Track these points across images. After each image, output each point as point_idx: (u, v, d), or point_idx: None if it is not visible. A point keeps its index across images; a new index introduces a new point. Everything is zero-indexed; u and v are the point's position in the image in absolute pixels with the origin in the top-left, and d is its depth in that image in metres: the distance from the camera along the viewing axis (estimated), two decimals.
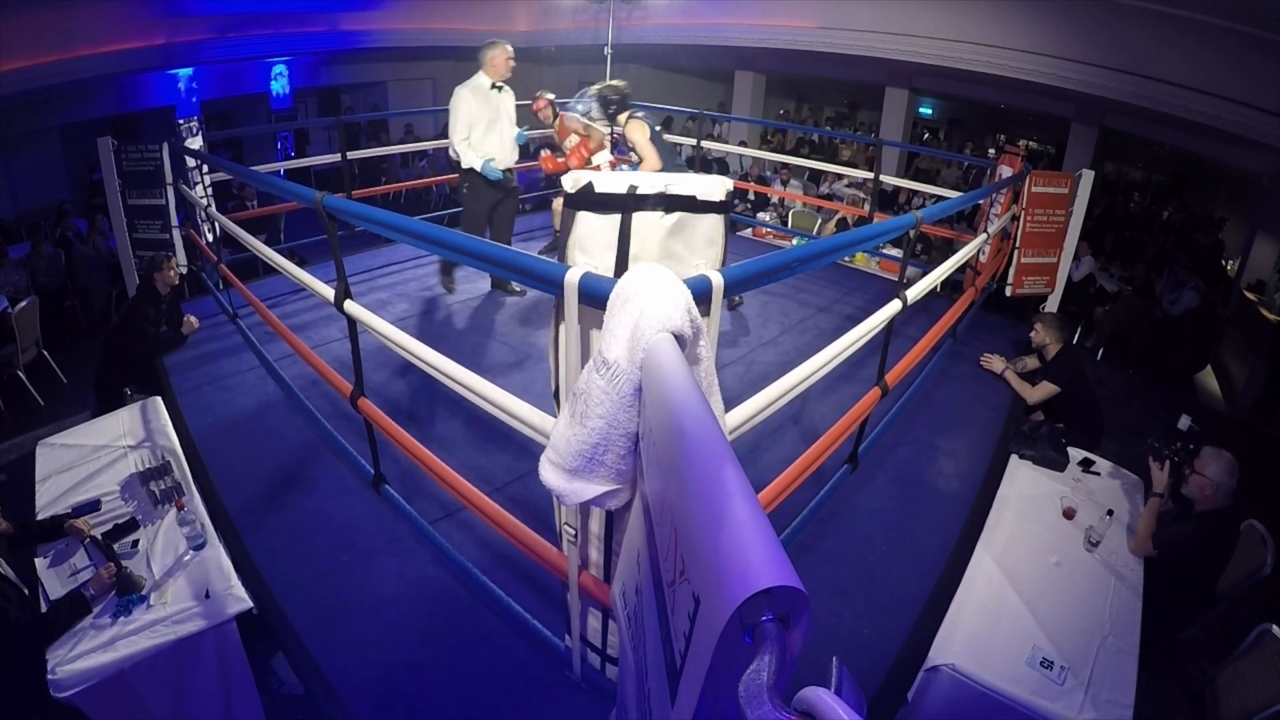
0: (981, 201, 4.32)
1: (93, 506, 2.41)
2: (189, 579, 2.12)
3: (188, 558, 2.19)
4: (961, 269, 3.47)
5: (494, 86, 3.86)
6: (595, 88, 3.80)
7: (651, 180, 1.47)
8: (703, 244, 1.55)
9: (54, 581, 2.12)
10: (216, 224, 4.11)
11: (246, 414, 3.06)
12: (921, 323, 3.76)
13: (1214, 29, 5.73)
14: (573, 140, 4.38)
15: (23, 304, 4.92)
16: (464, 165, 3.85)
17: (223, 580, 2.10)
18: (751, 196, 7.78)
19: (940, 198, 5.11)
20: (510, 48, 3.84)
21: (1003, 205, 4.14)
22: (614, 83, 3.83)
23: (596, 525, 1.46)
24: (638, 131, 3.66)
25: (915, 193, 7.51)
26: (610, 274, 1.43)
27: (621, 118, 3.72)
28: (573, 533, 1.51)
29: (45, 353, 5.17)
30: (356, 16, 9.23)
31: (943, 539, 2.51)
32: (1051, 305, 4.30)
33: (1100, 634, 2.07)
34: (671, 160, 3.79)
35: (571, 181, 1.47)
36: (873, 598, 2.23)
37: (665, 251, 1.51)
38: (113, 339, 3.57)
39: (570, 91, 4.23)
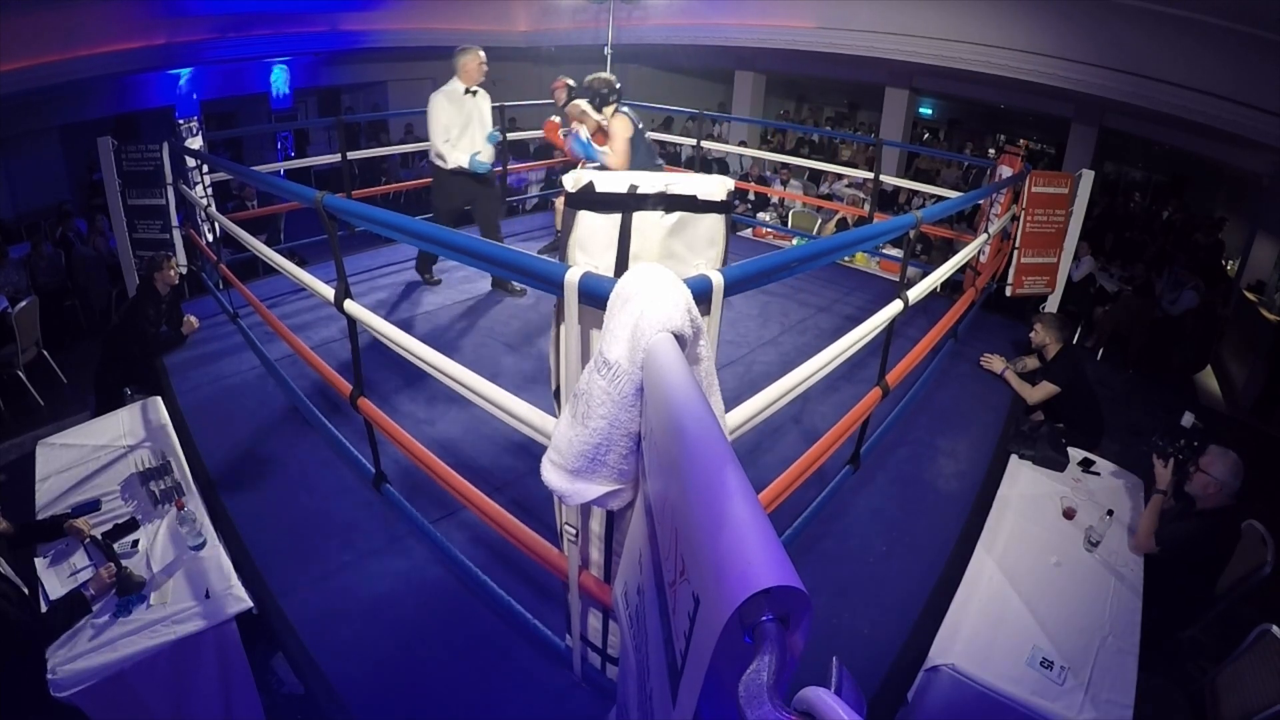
0: (981, 201, 4.33)
1: (93, 506, 2.41)
2: (189, 579, 2.12)
3: (188, 558, 2.19)
4: (962, 269, 3.47)
5: (468, 91, 3.97)
6: (588, 78, 3.89)
7: (652, 180, 1.47)
8: (703, 244, 1.55)
9: (54, 581, 2.12)
10: (216, 224, 4.11)
11: (246, 414, 3.06)
12: (922, 323, 3.76)
13: (1214, 29, 5.72)
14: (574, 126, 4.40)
15: (23, 304, 4.92)
16: (450, 164, 3.97)
17: (223, 580, 2.10)
18: (751, 196, 7.78)
19: (940, 198, 5.11)
20: (482, 53, 3.96)
21: (1003, 205, 4.14)
22: (603, 75, 3.90)
23: (597, 525, 1.46)
24: (620, 127, 3.73)
25: (915, 193, 7.50)
26: (611, 274, 1.44)
27: (608, 111, 3.79)
28: (573, 532, 1.51)
29: (45, 353, 5.17)
30: (356, 16, 9.23)
31: (943, 539, 2.52)
32: (1051, 305, 4.30)
33: (1100, 634, 2.07)
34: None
35: (573, 181, 1.47)
36: (873, 598, 2.23)
37: (666, 251, 1.51)
38: (113, 339, 3.57)
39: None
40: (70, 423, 3.20)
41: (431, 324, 3.92)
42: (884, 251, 5.48)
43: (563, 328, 1.33)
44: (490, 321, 3.96)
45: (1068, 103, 7.77)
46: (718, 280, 1.26)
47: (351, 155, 5.05)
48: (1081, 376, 3.42)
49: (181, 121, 4.22)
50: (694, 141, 6.05)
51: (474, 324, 3.92)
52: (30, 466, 2.67)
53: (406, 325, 3.79)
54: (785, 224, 7.16)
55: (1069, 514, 2.60)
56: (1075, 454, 2.99)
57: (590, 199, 1.46)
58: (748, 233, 6.36)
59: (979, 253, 4.00)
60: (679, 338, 0.98)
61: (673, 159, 9.14)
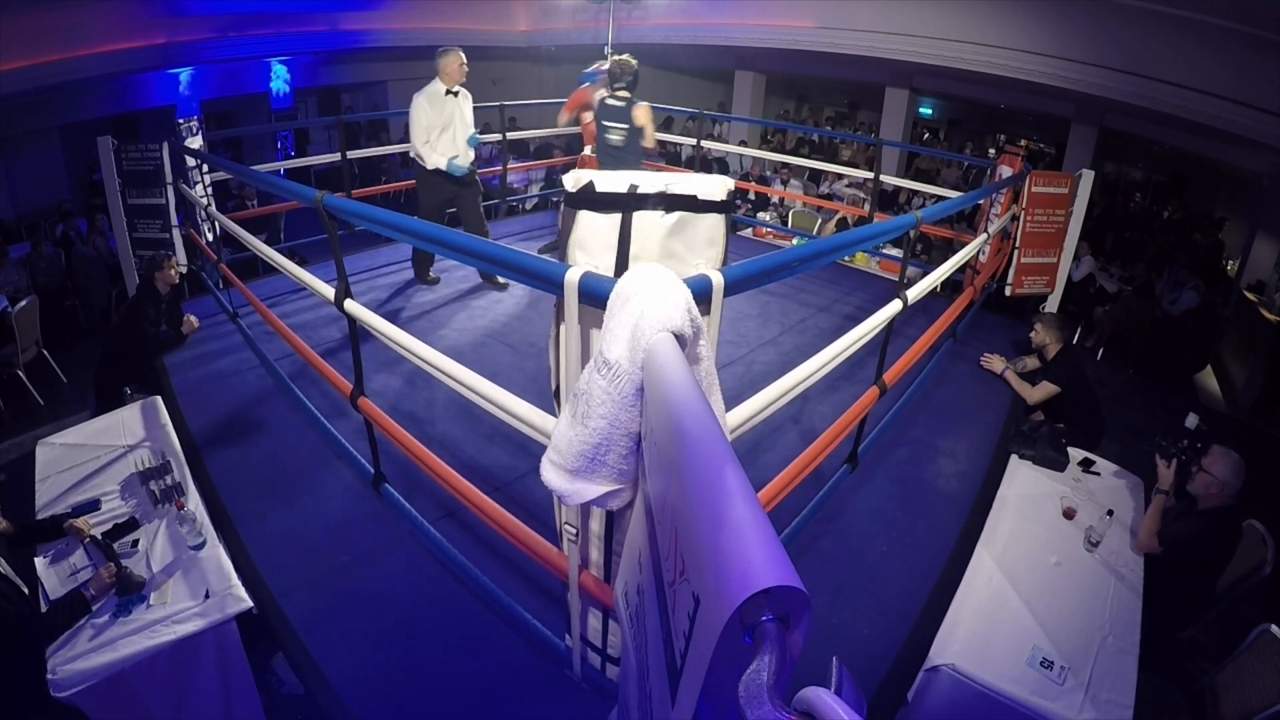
0: (981, 201, 4.33)
1: (93, 506, 2.41)
2: (189, 579, 2.12)
3: (187, 558, 2.19)
4: (961, 269, 3.47)
5: (449, 92, 4.03)
6: (611, 60, 4.18)
7: (652, 180, 1.47)
8: (703, 243, 1.55)
9: (54, 581, 2.12)
10: (216, 223, 4.11)
11: (246, 413, 3.06)
12: (921, 322, 3.76)
13: (1214, 29, 5.72)
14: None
15: (23, 304, 4.92)
16: (429, 166, 4.05)
17: (223, 580, 2.10)
18: (752, 196, 7.78)
19: (940, 198, 5.11)
20: (463, 54, 4.04)
21: (1003, 205, 4.14)
22: (623, 58, 4.17)
23: (597, 525, 1.46)
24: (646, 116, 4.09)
25: (915, 193, 7.50)
26: (611, 273, 1.44)
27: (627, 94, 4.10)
28: (573, 532, 1.51)
29: (45, 353, 5.17)
30: (356, 16, 9.22)
31: (942, 539, 2.51)
32: (1051, 305, 4.30)
33: (1100, 634, 2.07)
34: (608, 160, 4.24)
35: (573, 181, 1.47)
36: (873, 598, 2.23)
37: (666, 251, 1.51)
38: (113, 339, 3.57)
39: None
40: (70, 423, 3.20)
41: (431, 324, 3.92)
42: (884, 251, 5.48)
43: (563, 327, 1.33)
44: (490, 321, 3.96)
45: (1068, 103, 7.77)
46: (718, 280, 1.26)
47: (351, 155, 5.05)
48: (1081, 376, 3.42)
49: (181, 121, 4.22)
50: (694, 141, 6.05)
51: (474, 324, 3.92)
52: (30, 466, 2.67)
53: (406, 325, 3.79)
54: (785, 224, 7.16)
55: (1069, 514, 2.60)
56: (1075, 454, 2.99)
57: (590, 199, 1.46)
58: (748, 233, 6.36)
59: (979, 252, 4.00)
60: (679, 337, 0.98)
61: (673, 159, 9.14)
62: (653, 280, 1.05)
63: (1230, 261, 7.63)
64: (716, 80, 11.85)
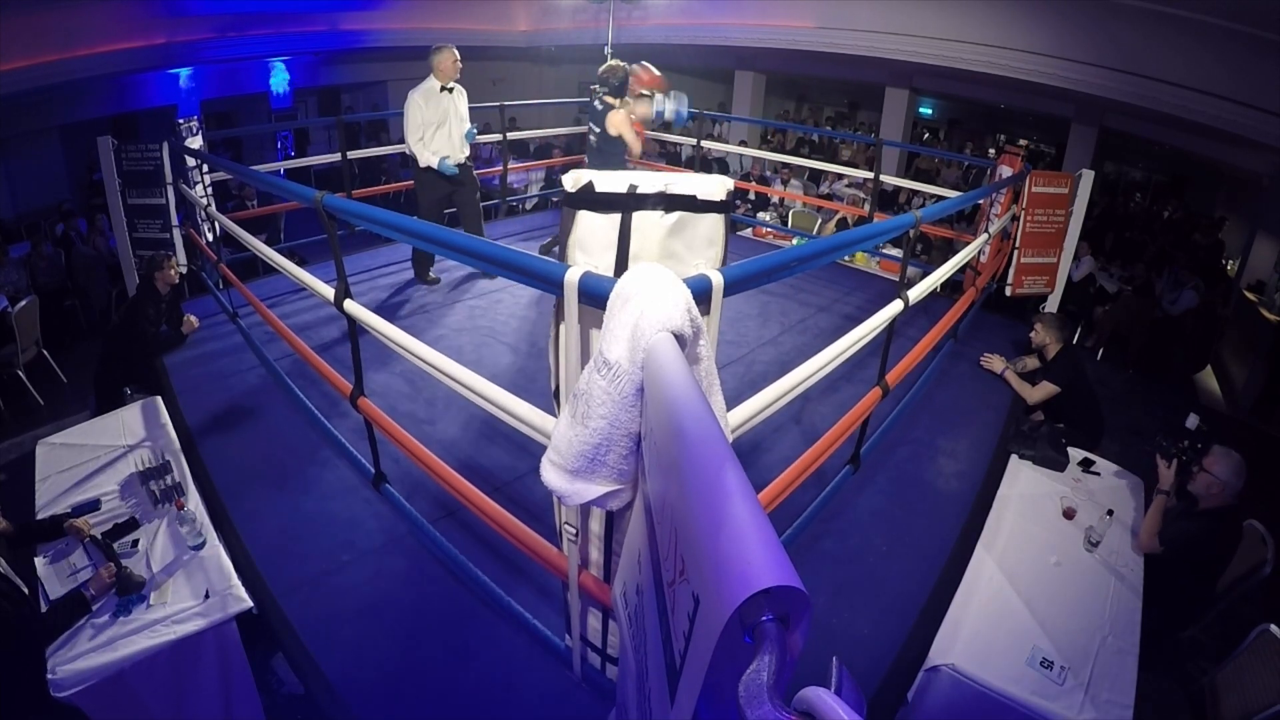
0: (981, 201, 4.32)
1: (92, 506, 2.41)
2: (189, 579, 2.12)
3: (188, 558, 2.19)
4: (962, 269, 3.47)
5: (444, 89, 4.07)
6: (602, 69, 4.22)
7: (652, 180, 1.47)
8: (703, 243, 1.55)
9: (54, 581, 2.12)
10: (216, 223, 4.11)
11: (246, 413, 3.06)
12: (922, 323, 3.76)
13: (1214, 29, 5.72)
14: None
15: (23, 304, 4.92)
16: (421, 164, 4.09)
17: (223, 580, 2.10)
18: (752, 196, 7.78)
19: (940, 198, 5.10)
20: (456, 51, 4.09)
21: (1003, 205, 4.14)
22: (612, 63, 4.23)
23: (597, 525, 1.46)
24: (616, 123, 4.15)
25: (915, 193, 7.50)
26: (610, 273, 1.43)
27: (614, 100, 4.18)
28: (573, 532, 1.51)
29: (45, 353, 5.17)
30: (356, 16, 9.22)
31: (943, 539, 2.51)
32: (1051, 305, 4.30)
33: (1100, 634, 2.07)
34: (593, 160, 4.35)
35: (572, 181, 1.47)
36: (873, 598, 2.23)
37: (665, 251, 1.51)
38: (113, 339, 3.57)
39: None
40: (70, 423, 3.20)
41: (431, 324, 3.92)
42: (884, 251, 5.48)
43: (562, 327, 1.33)
44: (490, 321, 3.96)
45: (1068, 103, 7.76)
46: (717, 280, 1.26)
47: (351, 155, 5.05)
48: (1082, 376, 3.42)
49: (181, 121, 4.22)
50: (694, 141, 6.05)
51: (474, 324, 3.92)
52: (30, 466, 2.67)
53: (406, 325, 3.78)
54: (785, 224, 7.16)
55: (1069, 514, 2.60)
56: (1075, 454, 2.99)
57: (590, 199, 1.46)
58: (748, 233, 6.35)
59: (979, 253, 4.00)
60: (679, 337, 0.98)
61: (673, 159, 9.14)
62: (652, 280, 1.05)
63: (1230, 261, 7.63)
64: (716, 80, 11.84)
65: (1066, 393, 3.36)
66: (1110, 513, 2.56)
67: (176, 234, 4.26)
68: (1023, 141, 11.07)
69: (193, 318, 3.69)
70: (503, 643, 1.95)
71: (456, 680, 1.86)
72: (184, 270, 4.16)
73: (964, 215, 6.13)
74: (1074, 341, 4.79)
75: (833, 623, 2.11)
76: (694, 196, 1.49)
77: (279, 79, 10.26)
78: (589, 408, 1.04)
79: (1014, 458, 2.91)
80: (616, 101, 4.24)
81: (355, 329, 2.17)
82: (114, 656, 1.88)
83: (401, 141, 4.27)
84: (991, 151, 10.31)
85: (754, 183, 7.65)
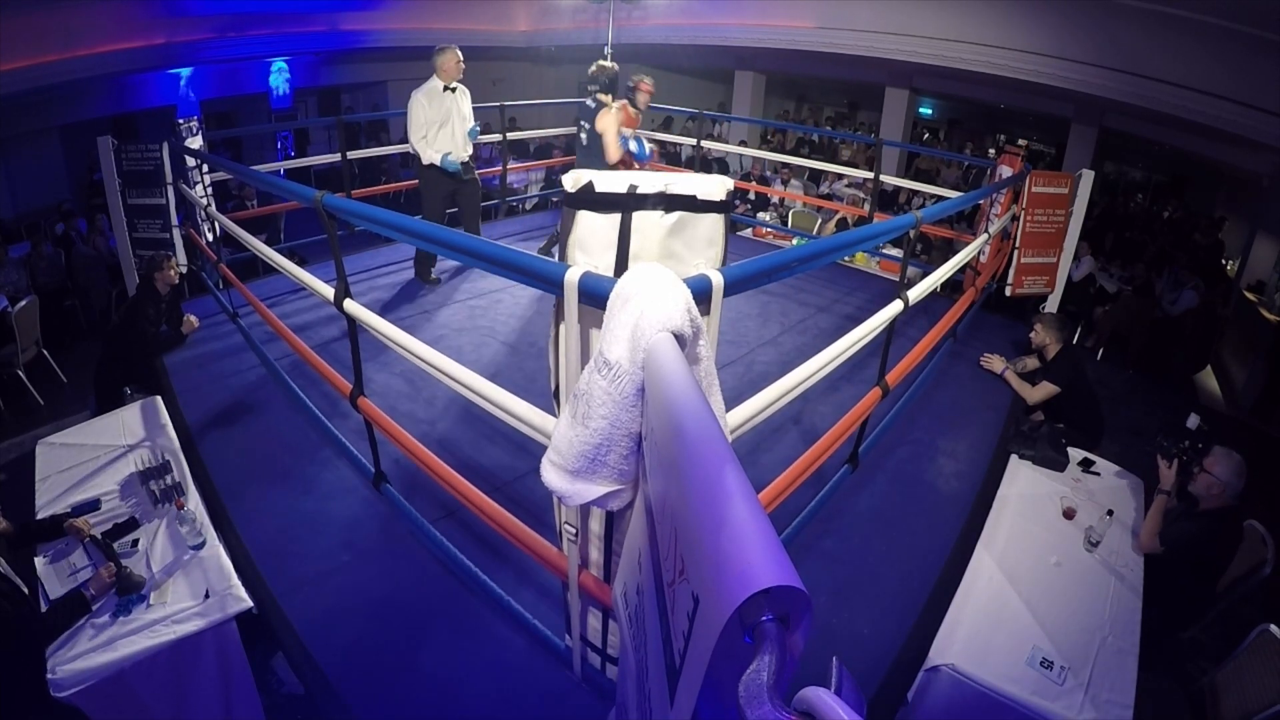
0: (981, 201, 4.32)
1: (92, 506, 2.41)
2: (189, 579, 2.12)
3: (188, 558, 2.19)
4: (962, 269, 3.47)
5: (447, 88, 4.11)
6: (593, 67, 4.24)
7: (652, 180, 1.47)
8: (703, 243, 1.55)
9: (54, 581, 2.12)
10: (216, 223, 4.11)
11: (246, 413, 3.06)
12: (922, 323, 3.76)
13: (1213, 29, 5.72)
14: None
15: (23, 304, 4.92)
16: (424, 162, 4.13)
17: (223, 580, 2.10)
18: (752, 196, 7.78)
19: (940, 198, 5.10)
20: (459, 51, 4.14)
21: (1003, 205, 4.14)
22: (601, 62, 4.26)
23: (597, 525, 1.46)
24: (604, 123, 4.18)
25: (915, 193, 7.50)
26: (610, 273, 1.43)
27: (606, 98, 4.20)
28: (573, 532, 1.51)
29: (45, 353, 5.17)
30: (356, 16, 9.22)
31: (943, 539, 2.51)
32: (1051, 305, 4.30)
33: (1100, 634, 2.07)
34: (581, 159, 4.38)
35: (572, 181, 1.47)
36: (873, 598, 2.23)
37: (665, 251, 1.51)
38: (113, 339, 3.57)
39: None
40: (70, 423, 3.20)
41: (431, 324, 3.92)
42: (884, 251, 5.48)
43: (562, 327, 1.33)
44: (490, 321, 3.96)
45: (1068, 103, 7.77)
46: (717, 280, 1.26)
47: (351, 155, 5.06)
48: (1082, 376, 3.42)
49: (181, 121, 4.22)
50: (694, 141, 6.05)
51: (474, 324, 3.92)
52: (30, 466, 2.67)
53: (406, 325, 3.78)
54: (785, 224, 7.16)
55: (1069, 514, 2.60)
56: (1075, 454, 2.99)
57: (590, 199, 1.46)
58: (748, 233, 6.35)
59: (979, 253, 4.00)
60: (679, 337, 0.98)
61: (673, 159, 9.14)
62: (652, 280, 1.05)
63: (1230, 261, 7.63)
64: (716, 80, 11.84)
65: (1066, 393, 3.36)
66: (1110, 513, 2.56)
67: (176, 234, 4.26)
68: (1022, 141, 11.07)
69: (193, 318, 3.69)
70: (503, 643, 1.95)
71: (456, 680, 1.86)
72: (184, 270, 4.16)
73: (964, 215, 6.13)
74: (1074, 341, 4.79)
75: (833, 623, 2.11)
76: (694, 196, 1.49)
77: (279, 79, 10.26)
78: (589, 408, 1.04)
79: (1014, 458, 2.91)
80: (607, 99, 4.25)
81: (355, 329, 2.17)
82: (114, 656, 1.87)
83: (402, 141, 4.29)
84: (991, 151, 10.30)
85: (754, 183, 7.65)
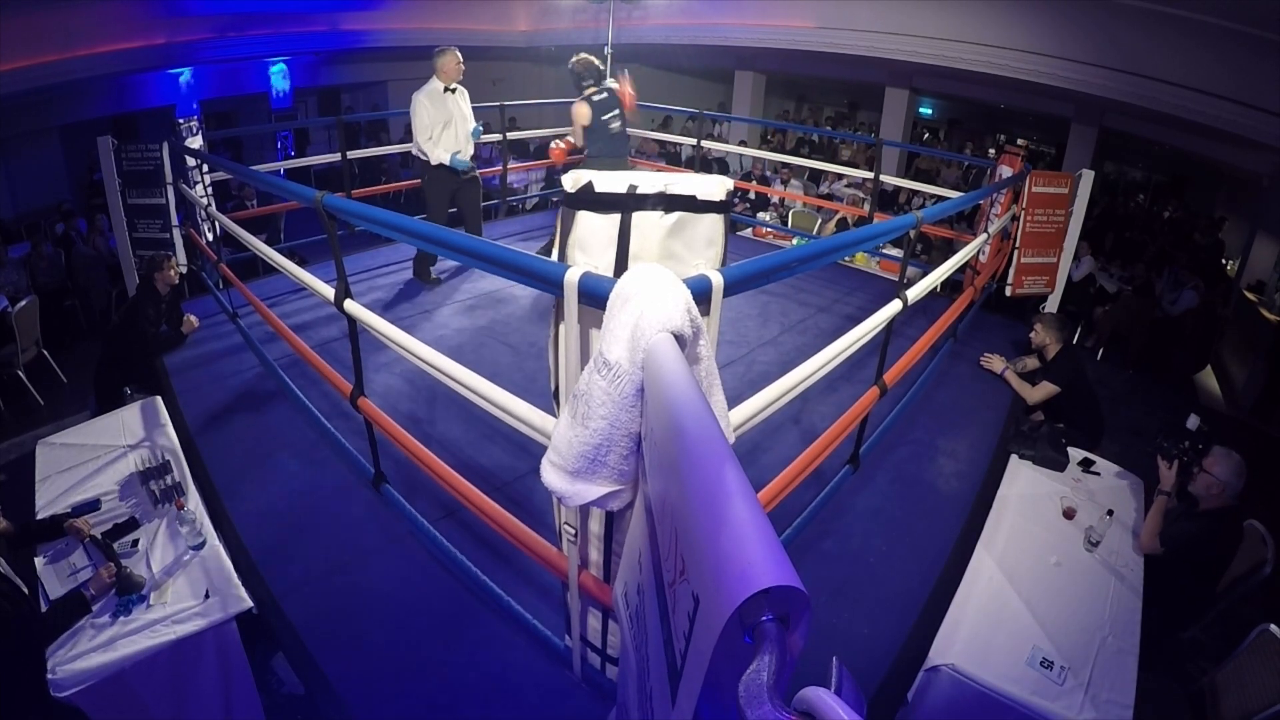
0: (981, 201, 4.32)
1: (92, 506, 2.41)
2: (189, 579, 2.12)
3: (188, 558, 2.19)
4: (961, 269, 3.47)
5: (447, 89, 4.15)
6: (572, 60, 4.19)
7: (651, 180, 1.47)
8: (703, 244, 1.55)
9: (54, 581, 2.12)
10: (216, 223, 4.11)
11: (246, 413, 3.06)
12: (921, 323, 3.76)
13: (1213, 29, 5.72)
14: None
15: (23, 304, 4.92)
16: (434, 162, 4.16)
17: (223, 580, 2.10)
18: (752, 196, 7.78)
19: (940, 198, 5.10)
20: (459, 53, 4.18)
21: (1003, 205, 4.14)
22: (582, 57, 4.19)
23: (596, 525, 1.46)
24: (580, 112, 4.13)
25: (915, 193, 7.50)
26: (610, 273, 1.43)
27: (588, 92, 4.15)
28: (572, 532, 1.51)
29: (45, 353, 5.17)
30: (356, 16, 9.22)
31: (943, 539, 2.51)
32: (1051, 305, 4.30)
33: (1100, 634, 2.07)
34: (614, 149, 4.28)
35: (571, 181, 1.47)
36: (873, 598, 2.23)
37: (665, 251, 1.51)
38: (113, 339, 3.57)
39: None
40: (70, 423, 3.21)
41: (431, 323, 3.92)
42: (884, 251, 5.48)
43: (562, 328, 1.33)
44: (490, 321, 3.96)
45: (1068, 103, 7.77)
46: (717, 280, 1.26)
47: (351, 155, 5.06)
48: (1081, 376, 3.42)
49: (181, 121, 4.22)
50: (694, 141, 6.05)
51: (474, 324, 3.92)
52: (30, 466, 2.67)
53: (406, 325, 3.78)
54: (785, 224, 7.16)
55: (1069, 514, 2.60)
56: (1075, 454, 2.99)
57: (589, 199, 1.46)
58: (748, 233, 6.35)
59: (979, 253, 4.00)
60: (679, 338, 0.98)
61: (673, 159, 9.13)
62: (652, 280, 1.05)
63: (1230, 261, 7.63)
64: (716, 80, 11.84)
65: (1066, 393, 3.36)
66: (1110, 513, 2.56)
67: (176, 234, 4.26)
68: (1022, 141, 11.07)
69: (193, 318, 3.69)
70: (503, 643, 1.95)
71: (456, 680, 1.86)
72: (184, 270, 4.16)
73: (964, 215, 6.13)
74: (1074, 341, 4.79)
75: (833, 623, 2.11)
76: (694, 196, 1.49)
77: (279, 79, 10.26)
78: (589, 408, 1.04)
79: (1014, 458, 2.91)
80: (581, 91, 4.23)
81: (355, 329, 2.17)
82: (114, 656, 1.88)
83: (402, 141, 4.28)
84: (991, 151, 10.30)
85: (754, 182, 7.65)
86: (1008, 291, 4.25)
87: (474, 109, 4.34)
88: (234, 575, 2.12)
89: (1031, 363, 3.64)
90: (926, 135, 11.59)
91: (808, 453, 2.08)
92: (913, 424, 3.15)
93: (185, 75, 9.03)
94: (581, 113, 4.13)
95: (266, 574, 2.18)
